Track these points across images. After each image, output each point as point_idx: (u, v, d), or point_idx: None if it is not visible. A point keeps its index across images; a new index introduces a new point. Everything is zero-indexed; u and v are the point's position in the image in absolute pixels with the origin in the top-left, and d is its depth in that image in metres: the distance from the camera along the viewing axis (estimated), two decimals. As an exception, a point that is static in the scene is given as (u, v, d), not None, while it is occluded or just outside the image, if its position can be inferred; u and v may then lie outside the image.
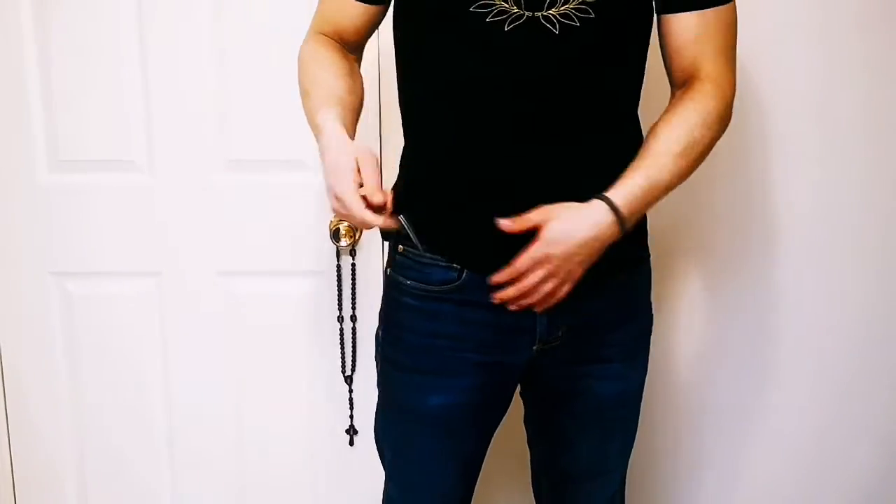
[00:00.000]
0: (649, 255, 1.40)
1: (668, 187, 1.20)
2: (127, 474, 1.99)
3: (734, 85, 1.27)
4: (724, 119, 1.25)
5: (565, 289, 1.19)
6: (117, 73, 1.78)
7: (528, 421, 1.51)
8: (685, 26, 1.24)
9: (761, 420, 1.98)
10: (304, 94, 1.30)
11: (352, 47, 1.37)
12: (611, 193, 1.16)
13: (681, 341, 1.94)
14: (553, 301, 1.20)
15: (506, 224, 1.16)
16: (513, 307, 1.21)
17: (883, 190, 1.85)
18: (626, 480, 1.52)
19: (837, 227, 1.87)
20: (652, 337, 1.44)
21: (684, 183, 1.77)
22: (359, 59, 1.39)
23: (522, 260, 1.16)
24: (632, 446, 1.48)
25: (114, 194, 1.84)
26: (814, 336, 1.92)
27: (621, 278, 1.33)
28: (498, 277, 1.19)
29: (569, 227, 1.16)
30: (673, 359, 1.94)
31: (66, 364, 1.93)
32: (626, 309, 1.36)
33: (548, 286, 1.18)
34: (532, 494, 1.59)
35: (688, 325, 1.93)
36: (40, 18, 1.76)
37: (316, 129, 1.23)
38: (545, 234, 1.15)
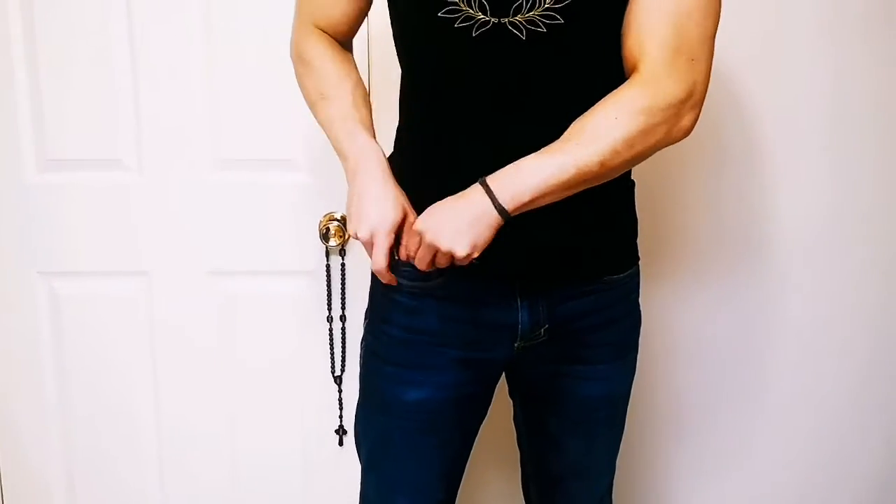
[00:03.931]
0: (638, 259, 1.40)
1: (560, 174, 1.13)
2: (115, 472, 1.98)
3: (680, 84, 1.16)
4: (649, 114, 1.14)
5: (458, 254, 1.16)
6: (105, 71, 1.77)
7: (517, 420, 1.51)
8: (630, 13, 1.18)
9: (756, 423, 1.98)
10: (321, 96, 1.30)
11: (344, 40, 1.37)
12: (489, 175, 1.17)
13: (673, 343, 1.94)
14: (459, 260, 1.18)
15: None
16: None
17: (889, 190, 1.86)
18: (615, 482, 1.52)
19: (842, 227, 1.88)
20: (642, 338, 1.43)
21: (684, 183, 1.78)
22: (350, 52, 1.40)
23: (408, 243, 1.20)
24: (619, 447, 1.48)
25: (102, 193, 1.83)
26: (814, 336, 1.94)
27: (608, 281, 1.33)
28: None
29: (436, 207, 1.18)
30: (664, 360, 1.94)
31: (54, 364, 1.92)
32: (613, 311, 1.36)
33: (438, 257, 1.18)
34: (521, 495, 1.59)
35: (681, 327, 1.94)
36: (28, 16, 1.75)
37: (349, 140, 1.26)
38: (419, 219, 1.19)
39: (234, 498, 1.99)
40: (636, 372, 1.44)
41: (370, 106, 1.32)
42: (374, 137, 1.28)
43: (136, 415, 1.95)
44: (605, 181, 1.18)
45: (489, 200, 1.14)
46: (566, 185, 1.14)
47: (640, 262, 1.40)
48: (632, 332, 1.42)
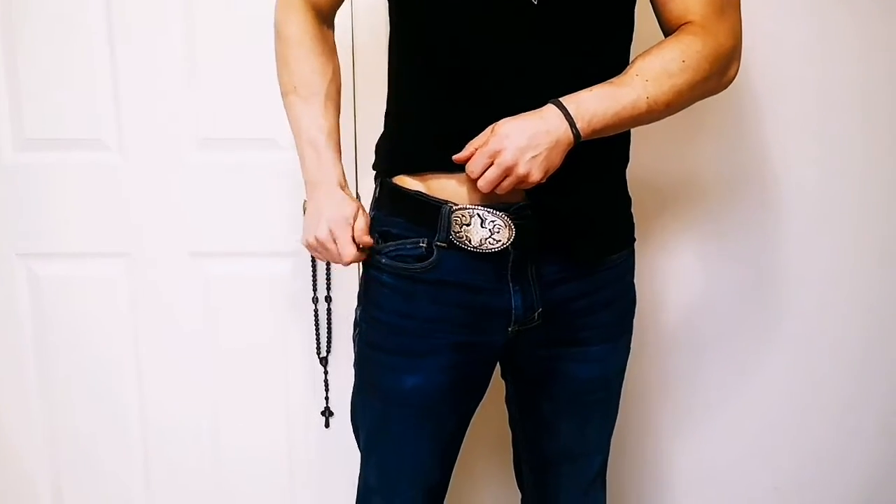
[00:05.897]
0: (634, 240, 1.39)
1: (634, 106, 1.16)
2: (97, 453, 1.97)
3: (731, 35, 1.23)
4: (710, 61, 1.20)
5: (532, 178, 1.15)
6: (85, 49, 1.75)
7: (509, 402, 1.51)
8: None
9: (751, 407, 1.98)
10: (294, 89, 1.34)
11: (330, 13, 1.37)
12: (562, 97, 1.16)
13: (669, 325, 1.94)
14: (524, 184, 1.17)
15: (460, 156, 1.18)
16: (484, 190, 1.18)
17: (878, 177, 1.86)
18: (608, 465, 1.51)
19: (833, 214, 1.87)
20: (637, 320, 1.43)
21: (675, 169, 1.76)
22: (332, 28, 1.39)
23: (476, 157, 1.16)
24: (612, 429, 1.48)
25: (82, 174, 1.81)
26: (808, 321, 1.93)
27: (604, 262, 1.32)
28: (458, 157, 1.18)
29: (516, 122, 1.15)
30: (659, 344, 1.94)
31: (35, 346, 1.91)
32: (608, 292, 1.35)
33: (506, 182, 1.16)
34: (513, 477, 1.58)
35: (677, 308, 1.93)
36: (5, -7, 1.72)
37: (314, 157, 1.32)
38: (496, 129, 1.15)
39: (220, 480, 1.98)
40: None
41: (339, 100, 1.36)
42: (339, 137, 1.34)
43: (118, 398, 1.93)
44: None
45: (567, 124, 1.14)
46: (635, 119, 1.18)
47: (635, 243, 1.39)
48: (626, 313, 1.41)
